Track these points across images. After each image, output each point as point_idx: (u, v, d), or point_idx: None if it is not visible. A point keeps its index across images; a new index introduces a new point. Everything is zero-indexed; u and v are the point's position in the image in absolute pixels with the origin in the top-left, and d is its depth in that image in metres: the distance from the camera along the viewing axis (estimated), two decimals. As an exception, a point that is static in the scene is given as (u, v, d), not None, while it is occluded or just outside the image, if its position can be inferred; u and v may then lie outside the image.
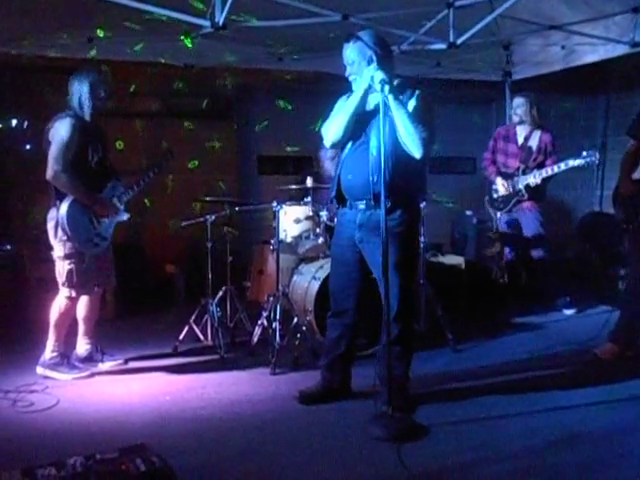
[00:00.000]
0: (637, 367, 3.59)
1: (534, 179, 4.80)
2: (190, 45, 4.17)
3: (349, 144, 2.99)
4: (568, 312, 4.93)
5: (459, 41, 4.11)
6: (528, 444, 2.66)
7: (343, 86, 3.10)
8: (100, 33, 4.29)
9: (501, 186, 5.01)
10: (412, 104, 2.88)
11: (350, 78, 2.98)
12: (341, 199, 3.05)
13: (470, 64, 5.57)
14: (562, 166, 4.69)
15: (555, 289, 4.99)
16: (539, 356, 3.92)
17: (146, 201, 5.06)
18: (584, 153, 4.59)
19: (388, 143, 2.77)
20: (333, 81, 4.22)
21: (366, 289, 3.03)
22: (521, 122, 4.99)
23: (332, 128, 2.96)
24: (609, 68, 6.33)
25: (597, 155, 4.59)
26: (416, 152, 2.80)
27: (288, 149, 6.36)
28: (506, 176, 4.99)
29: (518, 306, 5.09)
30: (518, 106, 4.98)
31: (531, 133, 4.95)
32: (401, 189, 2.83)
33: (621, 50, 4.64)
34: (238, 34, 4.21)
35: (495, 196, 5.11)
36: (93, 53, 4.64)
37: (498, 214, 5.13)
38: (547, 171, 4.77)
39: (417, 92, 2.92)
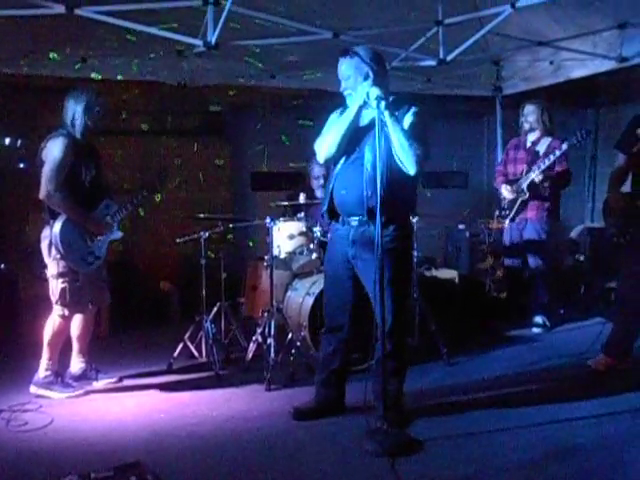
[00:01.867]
0: (630, 379, 3.61)
1: (535, 174, 4.74)
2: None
3: (342, 159, 3.01)
4: (537, 330, 4.91)
5: (449, 58, 4.17)
6: (522, 458, 2.68)
7: (337, 102, 3.13)
8: (92, 52, 4.34)
9: (506, 191, 4.97)
10: (408, 120, 2.89)
11: (345, 93, 3.00)
12: (333, 214, 3.07)
13: (461, 80, 5.65)
14: (557, 152, 4.64)
15: (545, 302, 4.99)
16: (533, 369, 3.94)
17: (140, 215, 5.07)
18: (577, 133, 4.58)
19: (384, 159, 2.79)
20: (327, 98, 4.29)
21: (359, 305, 3.04)
22: (531, 129, 4.96)
23: (325, 144, 2.98)
24: (598, 83, 6.42)
25: (585, 134, 4.57)
26: (410, 169, 2.82)
27: (289, 164, 6.40)
28: (512, 182, 4.98)
29: (512, 319, 5.11)
30: (529, 113, 4.94)
31: (540, 139, 4.93)
32: (395, 205, 2.85)
33: (608, 65, 4.72)
34: (230, 52, 4.27)
35: (503, 204, 5.07)
36: (86, 72, 4.69)
37: (506, 223, 5.06)
38: (544, 162, 4.69)
39: (413, 108, 2.93)
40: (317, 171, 4.73)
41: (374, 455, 2.66)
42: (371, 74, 2.90)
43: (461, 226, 6.01)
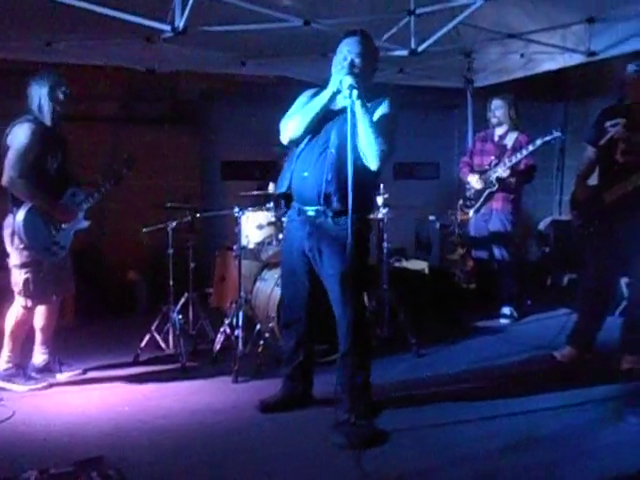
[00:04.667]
0: (594, 370, 3.67)
1: (503, 168, 4.80)
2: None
3: (306, 139, 2.92)
4: (505, 321, 4.97)
5: (420, 48, 4.13)
6: (487, 448, 2.70)
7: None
8: (57, 36, 4.21)
9: (474, 181, 5.01)
10: (379, 114, 2.85)
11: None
12: (287, 201, 3.00)
13: (432, 71, 5.63)
14: (530, 147, 4.69)
15: (513, 293, 5.05)
16: (499, 360, 3.98)
17: (108, 203, 4.98)
18: (553, 132, 4.62)
19: (351, 149, 2.75)
20: (298, 86, 4.22)
21: (318, 298, 2.99)
22: (499, 124, 5.02)
23: (292, 124, 2.89)
24: (567, 76, 6.49)
25: (560, 132, 4.62)
26: (372, 163, 2.77)
27: (253, 154, 6.34)
28: (480, 173, 5.02)
29: (481, 310, 5.15)
30: (496, 108, 5.00)
31: (507, 133, 4.99)
32: (356, 195, 2.81)
33: (577, 59, 4.75)
34: (201, 38, 4.18)
35: (468, 194, 5.13)
36: (52, 56, 4.55)
37: (470, 213, 5.12)
38: (516, 156, 4.75)
39: (387, 104, 2.87)
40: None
41: (340, 447, 2.65)
42: (358, 63, 2.81)
43: (431, 217, 6.01)
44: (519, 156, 4.76)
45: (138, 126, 5.94)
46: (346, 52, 2.84)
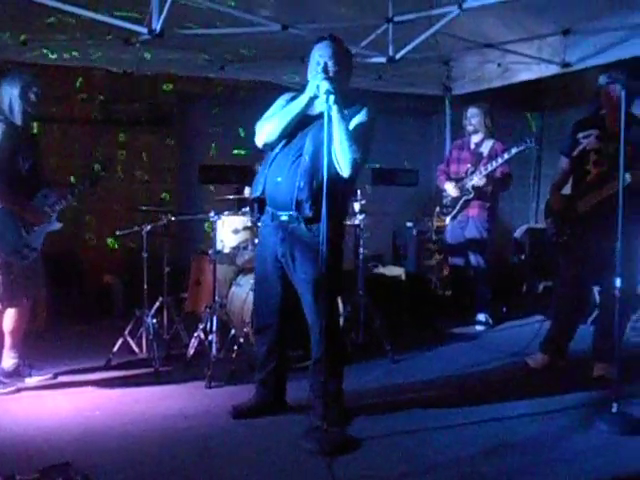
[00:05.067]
0: (565, 377, 3.72)
1: (479, 176, 4.85)
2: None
3: (281, 143, 2.91)
4: (480, 328, 5.01)
5: (398, 56, 4.17)
6: (459, 454, 2.70)
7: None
8: (34, 36, 4.16)
9: (450, 189, 5.06)
10: (356, 121, 2.84)
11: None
12: (261, 206, 2.99)
13: (411, 78, 5.67)
14: (505, 156, 4.75)
15: (488, 300, 5.09)
16: (473, 367, 4.00)
17: (84, 206, 4.92)
18: (527, 141, 4.69)
19: (323, 154, 2.74)
20: (277, 90, 4.22)
21: (292, 303, 2.98)
22: (475, 132, 5.08)
23: (267, 128, 2.87)
24: (544, 87, 6.58)
25: (534, 140, 4.70)
26: (345, 170, 2.76)
27: (231, 158, 6.31)
28: (456, 180, 5.07)
29: (456, 317, 5.18)
30: (472, 116, 5.06)
31: (483, 141, 5.05)
32: (329, 202, 2.80)
33: (553, 70, 4.82)
34: (179, 41, 4.16)
35: (444, 201, 5.17)
36: (28, 56, 4.50)
37: (447, 220, 5.15)
38: (492, 164, 4.82)
39: (365, 112, 2.86)
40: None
41: (312, 454, 2.63)
42: (332, 69, 2.80)
43: (409, 224, 6.05)
44: (494, 164, 4.82)
45: (116, 128, 5.89)
46: (318, 57, 2.84)
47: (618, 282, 2.95)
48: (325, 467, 2.49)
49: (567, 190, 3.83)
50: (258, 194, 2.97)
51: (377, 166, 6.96)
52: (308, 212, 2.78)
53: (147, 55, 4.69)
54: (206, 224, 5.66)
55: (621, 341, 3.34)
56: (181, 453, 2.70)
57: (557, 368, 3.83)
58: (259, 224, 3.12)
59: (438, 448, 2.77)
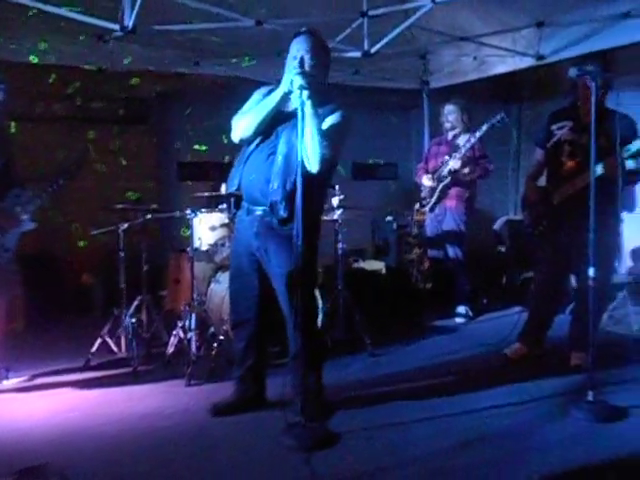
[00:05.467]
0: (542, 366, 3.75)
1: (455, 160, 4.87)
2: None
3: (256, 140, 2.91)
4: (460, 320, 5.04)
5: (373, 50, 4.17)
6: (439, 446, 2.72)
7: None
8: (6, 33, 4.10)
9: (427, 180, 5.09)
10: (330, 121, 2.83)
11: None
12: (237, 201, 2.98)
13: (388, 72, 5.69)
14: (477, 134, 4.78)
15: (467, 292, 5.12)
16: (452, 359, 4.02)
17: (61, 205, 4.86)
18: (497, 115, 4.71)
19: (297, 151, 2.74)
20: (255, 86, 4.20)
21: (267, 298, 2.98)
22: (453, 128, 5.11)
23: (243, 123, 2.87)
24: (521, 79, 6.61)
25: (502, 114, 4.70)
26: (313, 166, 2.75)
27: (210, 155, 6.27)
28: (433, 172, 5.10)
29: (437, 310, 5.21)
30: (449, 113, 5.09)
31: (459, 135, 5.08)
32: (303, 201, 2.80)
33: (527, 62, 4.86)
34: (152, 37, 4.12)
35: (423, 196, 5.19)
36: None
37: (426, 210, 5.17)
38: (465, 146, 4.84)
39: (339, 113, 2.86)
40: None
41: (291, 450, 2.64)
42: (309, 63, 2.79)
43: (389, 218, 6.06)
44: (468, 145, 4.85)
45: (93, 126, 5.83)
46: (295, 51, 2.83)
47: (592, 272, 2.98)
48: (304, 463, 2.50)
49: (543, 182, 3.87)
50: (234, 189, 2.96)
51: (357, 161, 6.96)
52: (282, 213, 2.78)
53: (121, 52, 4.64)
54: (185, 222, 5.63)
55: (596, 330, 3.39)
56: (159, 452, 2.69)
57: (535, 358, 3.86)
58: (235, 220, 3.11)
59: (417, 440, 2.78)
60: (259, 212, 2.88)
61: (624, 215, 5.34)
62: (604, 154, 3.23)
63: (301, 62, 2.77)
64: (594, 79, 2.89)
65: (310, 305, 2.97)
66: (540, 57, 4.66)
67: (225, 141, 5.66)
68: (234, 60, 4.96)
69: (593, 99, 2.88)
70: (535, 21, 4.32)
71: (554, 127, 3.70)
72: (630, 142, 3.26)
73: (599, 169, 3.26)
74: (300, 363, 2.77)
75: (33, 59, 4.59)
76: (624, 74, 5.32)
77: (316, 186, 2.85)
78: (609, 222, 3.26)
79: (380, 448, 2.71)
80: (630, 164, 3.33)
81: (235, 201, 2.99)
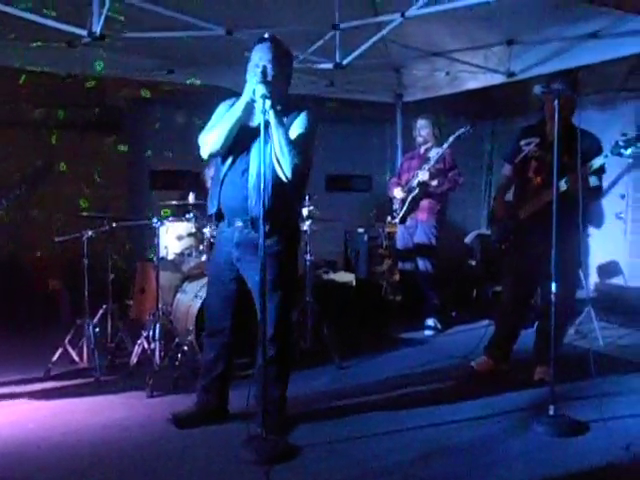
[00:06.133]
0: (507, 380, 3.78)
1: (423, 171, 4.93)
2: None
3: (229, 159, 2.91)
4: (429, 332, 5.06)
5: (345, 62, 4.19)
6: (401, 460, 2.72)
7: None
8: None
9: (397, 193, 5.15)
10: (296, 126, 2.83)
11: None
12: (220, 215, 2.99)
13: (363, 85, 5.72)
14: (444, 145, 4.89)
15: (436, 305, 5.15)
16: (419, 371, 4.04)
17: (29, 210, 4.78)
18: (463, 126, 4.85)
19: (269, 164, 2.74)
20: (227, 94, 4.20)
21: (243, 308, 2.99)
22: (425, 142, 5.17)
23: (210, 138, 2.86)
24: (494, 95, 6.70)
25: (468, 126, 4.83)
26: (285, 176, 2.76)
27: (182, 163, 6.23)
28: (404, 185, 5.14)
29: (406, 322, 5.24)
30: (422, 127, 5.16)
31: (431, 149, 5.13)
32: (279, 213, 2.81)
33: (498, 79, 4.93)
34: (124, 44, 4.10)
35: (394, 208, 5.23)
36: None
37: (397, 221, 5.20)
38: (434, 158, 4.92)
39: (304, 116, 2.85)
40: (214, 170, 4.62)
41: (250, 463, 2.61)
42: (270, 72, 2.79)
43: (360, 229, 6.08)
44: (436, 156, 4.93)
45: (64, 132, 5.76)
46: (257, 59, 2.82)
47: (554, 287, 3.02)
48: (263, 476, 2.47)
49: (509, 197, 3.92)
50: (214, 210, 2.97)
51: (330, 172, 6.98)
52: (264, 228, 2.77)
53: (93, 58, 4.60)
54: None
55: (560, 344, 3.43)
56: (118, 464, 2.65)
57: (500, 371, 3.90)
58: (206, 230, 3.10)
59: (379, 454, 2.77)
60: (239, 224, 2.89)
61: (591, 231, 5.50)
62: (568, 170, 3.28)
63: (263, 72, 2.77)
64: (557, 97, 2.94)
65: (286, 316, 2.96)
66: (511, 74, 4.73)
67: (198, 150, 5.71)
68: (208, 68, 4.94)
69: (556, 116, 2.93)
70: (506, 39, 4.39)
71: (522, 143, 3.75)
72: (593, 159, 3.32)
73: (563, 185, 3.32)
74: (266, 373, 2.74)
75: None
76: (592, 93, 5.45)
77: (292, 195, 2.87)
78: (572, 237, 3.30)
79: (341, 461, 2.70)
80: (594, 181, 3.39)
81: (216, 214, 2.99)
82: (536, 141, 3.70)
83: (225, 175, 2.92)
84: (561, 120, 3.01)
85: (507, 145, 4.12)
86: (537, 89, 2.99)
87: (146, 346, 3.76)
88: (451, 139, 4.84)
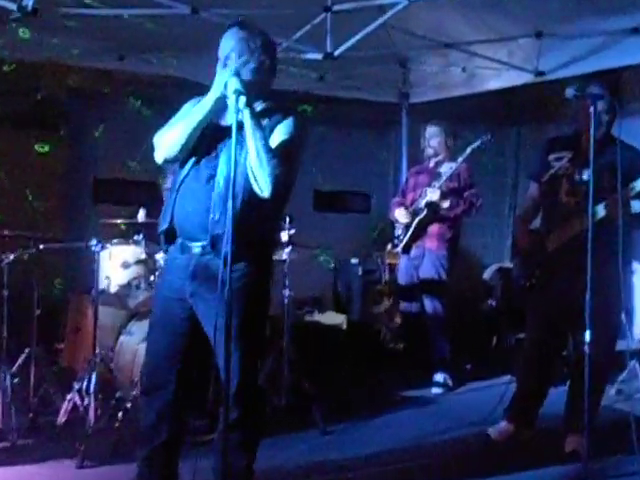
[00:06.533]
0: (531, 452, 3.74)
1: (432, 189, 4.95)
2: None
3: (191, 162, 2.88)
4: (437, 390, 5.06)
5: (337, 52, 4.25)
6: None
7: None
8: None
9: (401, 216, 5.17)
10: (280, 132, 2.82)
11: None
12: (171, 236, 2.96)
13: (360, 80, 5.81)
14: (459, 159, 4.91)
15: (447, 356, 5.15)
16: (425, 440, 4.02)
17: None
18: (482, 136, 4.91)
19: (242, 172, 2.74)
20: (193, 88, 4.22)
21: (197, 357, 2.94)
22: (435, 155, 5.21)
23: (167, 140, 2.84)
24: (520, 98, 6.79)
25: (488, 135, 4.88)
26: (264, 189, 2.73)
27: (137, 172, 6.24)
28: (409, 206, 5.18)
29: (410, 376, 5.23)
30: (432, 136, 5.20)
31: (443, 162, 5.17)
32: (250, 234, 2.79)
33: (525, 78, 5.01)
34: (61, 23, 4.13)
35: (396, 234, 5.26)
36: None
37: (399, 250, 5.22)
38: (446, 173, 4.94)
39: (291, 120, 2.85)
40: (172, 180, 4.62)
41: None
42: (253, 63, 2.80)
43: (354, 260, 6.10)
44: (449, 172, 4.95)
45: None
46: (228, 48, 2.84)
47: (589, 336, 3.02)
48: None
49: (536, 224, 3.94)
50: (166, 226, 2.94)
51: (319, 188, 7.00)
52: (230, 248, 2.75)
53: (25, 39, 4.62)
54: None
55: (596, 408, 3.42)
56: None
57: (524, 441, 3.87)
58: (159, 256, 3.08)
59: None
60: (197, 249, 2.84)
61: (636, 266, 5.53)
62: (607, 192, 3.31)
63: (238, 61, 2.78)
64: (594, 102, 2.98)
65: (253, 367, 2.93)
66: (539, 73, 4.80)
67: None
68: (168, 56, 4.98)
69: (592, 126, 2.96)
70: (534, 30, 4.46)
71: (552, 157, 3.78)
72: (637, 179, 3.35)
73: (601, 210, 3.34)
74: (229, 440, 2.70)
75: None
76: (636, 99, 5.53)
77: (269, 214, 2.85)
78: (612, 274, 3.31)
79: None
80: (637, 206, 3.41)
81: (167, 236, 2.96)
82: (568, 156, 3.72)
83: (182, 182, 2.89)
84: (598, 131, 3.04)
85: (534, 160, 4.15)
86: (569, 92, 3.02)
87: (78, 402, 3.71)
88: (467, 151, 4.87)
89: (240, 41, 2.83)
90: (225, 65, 2.82)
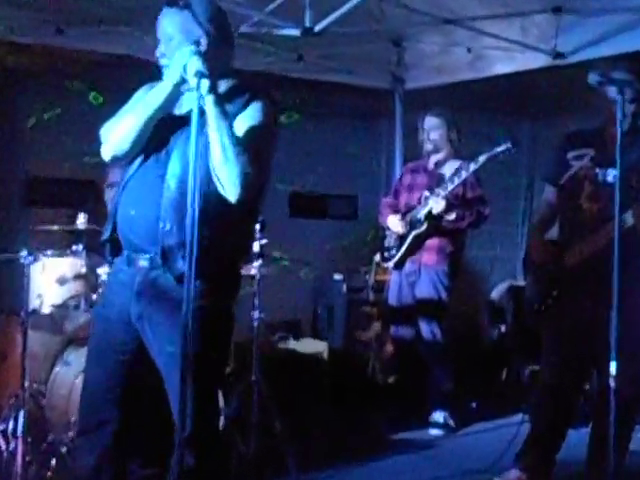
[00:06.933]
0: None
1: (436, 199, 4.95)
2: None
3: (138, 160, 2.90)
4: (436, 432, 5.10)
5: (318, 27, 4.27)
6: None
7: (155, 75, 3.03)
8: None
9: (394, 224, 5.20)
10: (246, 119, 2.83)
11: (161, 62, 2.91)
12: (116, 246, 2.97)
13: (345, 62, 5.83)
14: (471, 167, 4.87)
15: (447, 391, 5.17)
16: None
17: None
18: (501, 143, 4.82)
19: (201, 167, 2.73)
20: (146, 69, 4.23)
21: (144, 391, 2.95)
22: (436, 151, 5.26)
23: (118, 132, 2.86)
24: (535, 84, 6.85)
25: (509, 142, 4.81)
26: (231, 192, 2.73)
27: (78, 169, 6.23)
28: (405, 213, 5.21)
29: (403, 415, 5.26)
30: (432, 128, 5.25)
31: (446, 161, 5.23)
32: (209, 246, 2.77)
33: (541, 61, 5.05)
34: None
35: (387, 243, 5.29)
36: None
37: (390, 265, 5.26)
38: (453, 181, 4.93)
39: (258, 103, 2.86)
40: (113, 176, 4.59)
41: None
42: (203, 41, 2.83)
43: (337, 276, 6.11)
44: (457, 180, 4.94)
45: None
46: (174, 27, 2.86)
47: (614, 368, 3.04)
48: None
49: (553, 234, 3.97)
50: (108, 235, 2.95)
51: (297, 190, 7.02)
52: (181, 265, 2.73)
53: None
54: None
55: (622, 452, 3.44)
56: None
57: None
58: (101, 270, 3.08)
59: None
60: (144, 263, 2.85)
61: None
62: (636, 197, 3.35)
63: (197, 40, 2.79)
64: (621, 90, 3.01)
65: (210, 407, 2.94)
66: (558, 55, 4.84)
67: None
68: (117, 31, 4.99)
69: (618, 117, 2.99)
70: (551, 5, 4.50)
71: (571, 156, 3.82)
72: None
73: (629, 218, 3.37)
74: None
75: None
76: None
77: (231, 221, 2.85)
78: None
79: None
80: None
81: (112, 245, 2.96)
82: (590, 154, 3.77)
83: (129, 181, 2.91)
84: (626, 124, 3.07)
85: (550, 159, 4.18)
86: (592, 78, 3.05)
87: (3, 446, 3.70)
88: (482, 159, 4.85)
89: (213, 20, 2.86)
90: (177, 44, 2.82)
